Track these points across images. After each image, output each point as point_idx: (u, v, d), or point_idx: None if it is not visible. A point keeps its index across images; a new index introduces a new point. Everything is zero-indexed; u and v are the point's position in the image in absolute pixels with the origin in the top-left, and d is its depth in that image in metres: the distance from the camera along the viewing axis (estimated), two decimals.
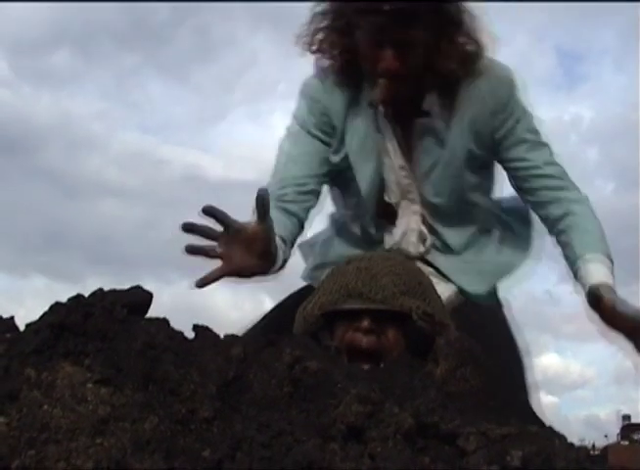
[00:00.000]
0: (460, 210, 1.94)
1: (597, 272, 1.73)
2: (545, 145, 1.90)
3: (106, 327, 1.08)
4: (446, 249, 1.94)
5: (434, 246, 1.94)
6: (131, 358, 1.01)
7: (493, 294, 1.99)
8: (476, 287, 1.92)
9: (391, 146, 1.88)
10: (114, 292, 1.23)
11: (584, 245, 1.80)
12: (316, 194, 1.93)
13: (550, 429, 1.10)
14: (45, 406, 0.90)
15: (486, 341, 1.75)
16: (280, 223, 1.77)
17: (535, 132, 1.89)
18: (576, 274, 1.79)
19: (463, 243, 1.95)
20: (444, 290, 1.84)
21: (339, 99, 1.89)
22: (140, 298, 1.25)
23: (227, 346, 1.14)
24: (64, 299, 1.15)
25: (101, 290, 1.21)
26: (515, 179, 1.92)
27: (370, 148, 1.88)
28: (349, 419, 0.96)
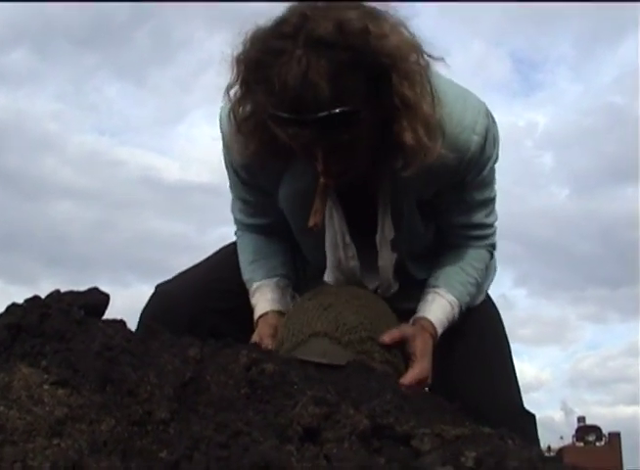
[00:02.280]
0: (422, 246, 1.78)
1: (437, 310, 1.67)
2: (485, 204, 1.73)
3: (63, 328, 1.07)
4: (410, 281, 1.78)
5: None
6: (88, 360, 1.01)
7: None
8: None
9: (337, 230, 1.66)
10: (70, 293, 1.22)
11: (449, 281, 1.72)
12: (285, 222, 1.77)
13: (504, 430, 1.11)
14: (1, 408, 0.90)
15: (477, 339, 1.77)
16: (277, 262, 1.76)
17: (483, 189, 1.70)
18: (422, 296, 1.72)
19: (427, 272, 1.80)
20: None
21: (265, 174, 1.64)
22: (97, 299, 1.26)
23: (184, 347, 1.14)
24: (19, 301, 1.14)
25: (58, 291, 1.21)
26: (437, 218, 1.74)
27: (313, 235, 1.66)
28: (306, 420, 0.97)
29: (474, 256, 1.75)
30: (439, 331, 1.64)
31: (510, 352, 1.85)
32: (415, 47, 1.39)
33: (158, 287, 1.78)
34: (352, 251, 1.67)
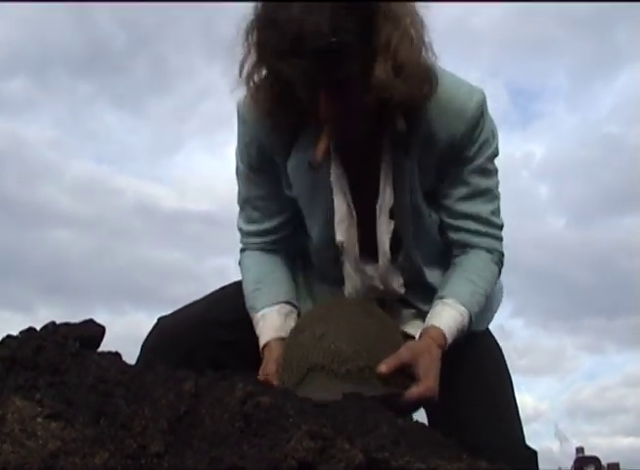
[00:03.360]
0: (433, 246, 1.81)
1: (448, 319, 1.67)
2: (486, 195, 1.76)
3: (57, 361, 1.07)
4: (424, 286, 1.80)
5: (410, 285, 1.80)
6: (82, 393, 1.00)
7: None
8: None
9: (342, 201, 1.70)
10: (65, 325, 1.22)
11: (457, 292, 1.72)
12: (288, 224, 1.84)
13: (502, 465, 1.11)
14: None
15: (479, 371, 1.74)
16: (281, 289, 1.79)
17: (484, 175, 1.74)
18: (430, 308, 1.72)
19: (440, 278, 1.81)
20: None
21: (278, 139, 1.70)
22: (92, 331, 1.25)
23: (179, 381, 1.13)
24: (15, 329, 1.15)
25: (53, 323, 1.21)
26: (439, 211, 1.78)
27: (318, 202, 1.73)
28: (300, 454, 0.96)
29: (481, 266, 1.76)
30: (449, 340, 1.64)
31: (512, 384, 1.83)
32: (410, 11, 1.53)
33: (159, 319, 1.80)
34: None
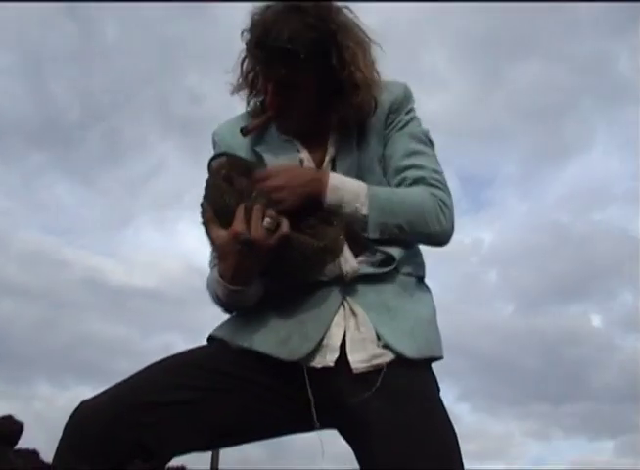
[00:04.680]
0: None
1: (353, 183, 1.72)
2: (428, 154, 1.83)
3: None
4: (382, 265, 1.72)
5: (367, 262, 1.73)
6: None
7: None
8: (411, 351, 1.65)
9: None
10: None
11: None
12: None
13: None
14: None
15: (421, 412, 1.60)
16: None
17: (423, 135, 1.85)
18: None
19: (403, 256, 1.74)
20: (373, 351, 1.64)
21: (239, 133, 1.81)
22: (10, 428, 1.24)
23: None
24: None
25: None
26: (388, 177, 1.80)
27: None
28: None
29: (412, 190, 1.76)
30: (334, 182, 1.70)
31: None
32: (358, 26, 1.79)
33: (82, 403, 1.67)
34: None
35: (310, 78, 1.73)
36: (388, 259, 1.73)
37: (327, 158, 1.79)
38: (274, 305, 1.73)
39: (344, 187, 1.70)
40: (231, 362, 1.69)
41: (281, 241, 1.59)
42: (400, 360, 1.63)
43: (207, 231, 1.63)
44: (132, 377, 1.70)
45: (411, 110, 1.86)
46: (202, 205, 1.63)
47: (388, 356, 1.64)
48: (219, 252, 1.65)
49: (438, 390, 1.71)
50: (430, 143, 1.85)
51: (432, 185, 1.76)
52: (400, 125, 1.83)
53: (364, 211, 1.69)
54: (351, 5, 1.79)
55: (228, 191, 1.61)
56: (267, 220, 1.58)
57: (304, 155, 1.81)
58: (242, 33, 1.77)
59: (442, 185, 1.77)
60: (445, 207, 1.75)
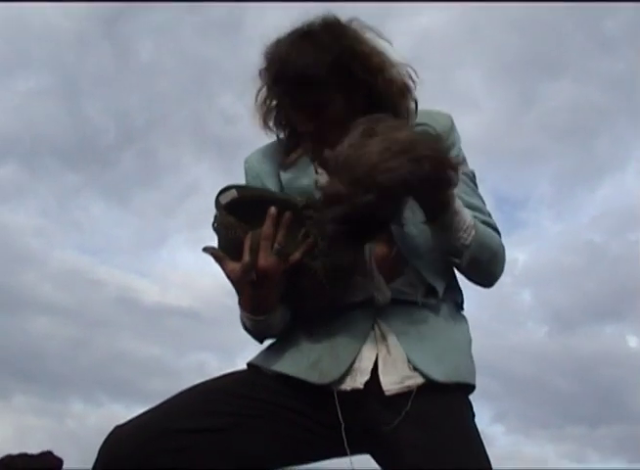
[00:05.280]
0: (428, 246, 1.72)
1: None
2: (478, 194, 1.82)
3: None
4: (424, 296, 1.71)
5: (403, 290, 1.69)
6: None
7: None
8: (439, 374, 1.63)
9: None
10: (24, 456, 1.20)
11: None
12: None
13: None
14: None
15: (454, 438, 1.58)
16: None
17: (471, 179, 1.82)
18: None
19: (444, 287, 1.74)
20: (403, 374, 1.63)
21: (269, 160, 1.87)
22: (50, 464, 1.25)
23: None
24: None
25: (9, 456, 1.17)
26: None
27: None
28: None
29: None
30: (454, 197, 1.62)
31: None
32: (377, 51, 1.74)
33: (116, 428, 1.67)
34: None
35: (338, 97, 1.71)
36: (431, 292, 1.72)
37: None
38: (305, 329, 1.73)
39: (462, 211, 1.65)
40: (263, 388, 1.69)
41: (292, 267, 1.57)
42: (431, 385, 1.61)
43: (221, 267, 1.60)
44: (165, 402, 1.71)
45: (459, 147, 1.81)
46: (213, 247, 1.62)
47: (419, 379, 1.62)
48: (235, 285, 1.63)
49: (473, 416, 1.69)
50: (476, 185, 1.82)
51: (496, 230, 1.76)
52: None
53: (468, 240, 1.66)
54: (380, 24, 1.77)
55: (235, 224, 1.57)
56: (276, 247, 1.56)
57: (322, 176, 1.71)
58: (259, 73, 1.76)
59: (497, 228, 1.77)
60: (505, 253, 1.77)
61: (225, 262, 1.59)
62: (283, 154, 1.85)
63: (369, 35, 1.75)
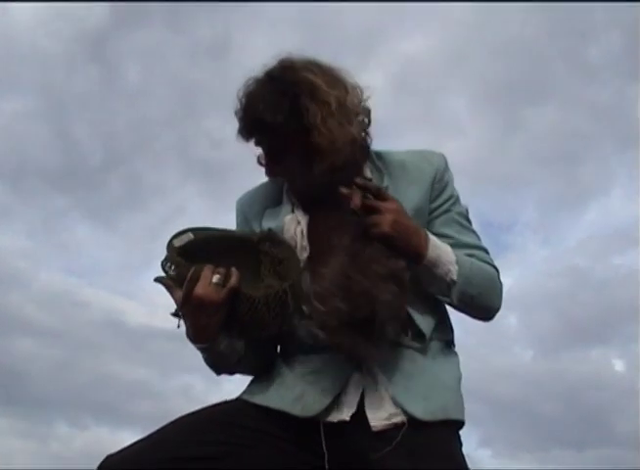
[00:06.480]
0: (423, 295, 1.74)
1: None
2: (472, 230, 1.83)
3: None
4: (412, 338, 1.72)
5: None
6: None
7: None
8: (423, 413, 1.64)
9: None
10: None
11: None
12: None
13: None
14: None
15: None
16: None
17: (465, 217, 1.82)
18: None
19: (432, 329, 1.75)
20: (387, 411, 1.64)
21: (257, 202, 1.90)
22: None
23: None
24: None
25: None
26: None
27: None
28: None
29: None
30: (432, 241, 1.65)
31: None
32: (336, 85, 1.72)
33: (107, 457, 1.67)
34: None
35: (296, 141, 1.70)
36: (417, 334, 1.73)
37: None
38: (291, 364, 1.78)
39: (441, 247, 1.68)
40: (252, 418, 1.71)
41: (228, 295, 1.62)
42: (415, 422, 1.63)
43: (170, 295, 1.68)
44: (157, 432, 1.72)
45: (453, 186, 1.83)
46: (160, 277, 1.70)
47: (404, 417, 1.63)
48: (181, 314, 1.68)
49: (460, 445, 1.71)
50: (469, 221, 1.84)
51: (491, 265, 1.77)
52: (449, 205, 1.80)
53: (454, 276, 1.68)
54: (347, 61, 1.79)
55: (182, 264, 1.66)
56: (216, 276, 1.61)
57: (297, 216, 1.81)
58: (235, 114, 1.78)
59: (496, 267, 1.79)
60: (502, 285, 1.79)
61: (174, 290, 1.65)
62: (270, 197, 1.89)
63: (324, 85, 1.71)
